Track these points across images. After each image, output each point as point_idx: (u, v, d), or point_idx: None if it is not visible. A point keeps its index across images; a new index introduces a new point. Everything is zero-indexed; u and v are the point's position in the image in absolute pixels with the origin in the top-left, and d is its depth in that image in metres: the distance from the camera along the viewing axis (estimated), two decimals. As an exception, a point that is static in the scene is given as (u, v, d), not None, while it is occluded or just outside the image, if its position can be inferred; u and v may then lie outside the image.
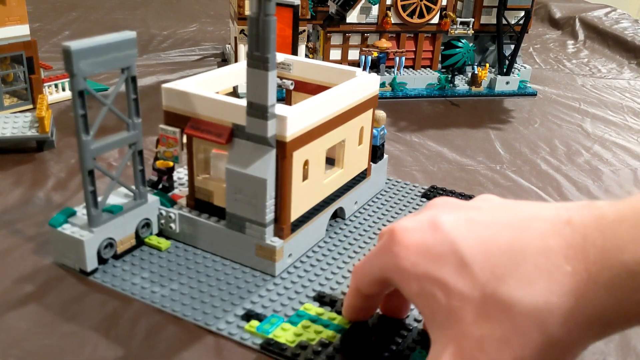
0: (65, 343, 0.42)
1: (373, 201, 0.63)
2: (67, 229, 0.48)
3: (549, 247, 0.30)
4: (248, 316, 0.45)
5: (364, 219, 0.60)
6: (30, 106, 0.81)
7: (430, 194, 0.66)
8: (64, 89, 0.88)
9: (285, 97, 0.63)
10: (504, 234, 0.32)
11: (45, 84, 0.84)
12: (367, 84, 0.56)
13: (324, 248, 0.54)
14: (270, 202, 0.48)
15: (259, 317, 0.44)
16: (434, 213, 0.35)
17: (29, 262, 0.50)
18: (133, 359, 0.41)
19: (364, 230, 0.58)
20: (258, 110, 0.45)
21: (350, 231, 0.57)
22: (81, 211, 0.49)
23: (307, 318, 0.44)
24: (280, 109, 0.46)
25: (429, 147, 0.80)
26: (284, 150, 0.47)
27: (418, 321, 0.45)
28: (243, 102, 0.47)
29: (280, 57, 0.61)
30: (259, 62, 0.43)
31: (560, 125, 0.92)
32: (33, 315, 0.44)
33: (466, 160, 0.77)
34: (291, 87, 0.61)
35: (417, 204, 0.64)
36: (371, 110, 0.58)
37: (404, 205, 0.63)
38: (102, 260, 0.49)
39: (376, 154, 0.63)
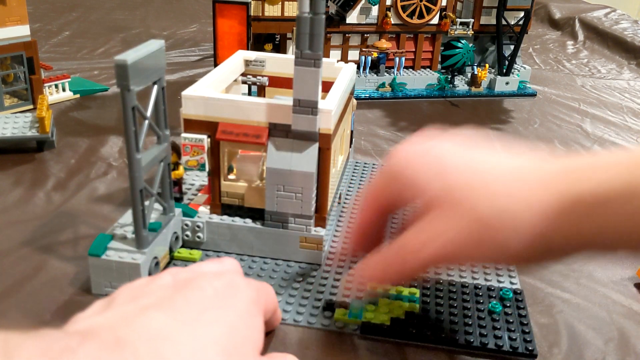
0: (66, 343, 0.42)
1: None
2: (112, 255, 0.46)
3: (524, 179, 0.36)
4: (329, 305, 0.46)
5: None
6: (31, 106, 0.81)
7: None
8: (64, 90, 0.88)
9: (257, 94, 0.64)
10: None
11: (45, 85, 0.84)
12: (351, 72, 0.59)
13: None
14: (314, 194, 0.49)
15: (341, 305, 0.46)
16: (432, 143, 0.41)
17: (29, 262, 0.50)
18: (133, 358, 0.41)
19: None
20: (307, 106, 0.46)
21: (352, 213, 0.59)
22: (119, 233, 0.48)
23: (380, 296, 0.47)
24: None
25: (428, 147, 0.81)
26: (328, 142, 0.48)
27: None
28: (276, 101, 0.48)
29: (252, 54, 0.62)
30: (309, 60, 0.45)
31: (559, 125, 0.92)
32: (33, 315, 0.44)
33: (466, 160, 0.77)
34: (266, 84, 0.62)
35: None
36: (352, 96, 0.62)
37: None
38: None
39: (351, 138, 0.66)
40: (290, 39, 0.95)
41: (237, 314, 0.32)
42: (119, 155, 0.71)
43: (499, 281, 0.50)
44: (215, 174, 0.51)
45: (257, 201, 0.51)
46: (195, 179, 0.59)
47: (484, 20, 1.04)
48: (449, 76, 1.01)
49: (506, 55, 1.02)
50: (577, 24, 1.53)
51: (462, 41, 1.01)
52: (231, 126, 0.49)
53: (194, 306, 0.31)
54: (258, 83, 0.61)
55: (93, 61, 1.09)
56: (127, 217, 0.49)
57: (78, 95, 0.89)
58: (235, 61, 0.60)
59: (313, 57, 0.45)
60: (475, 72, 1.01)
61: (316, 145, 0.48)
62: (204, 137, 0.50)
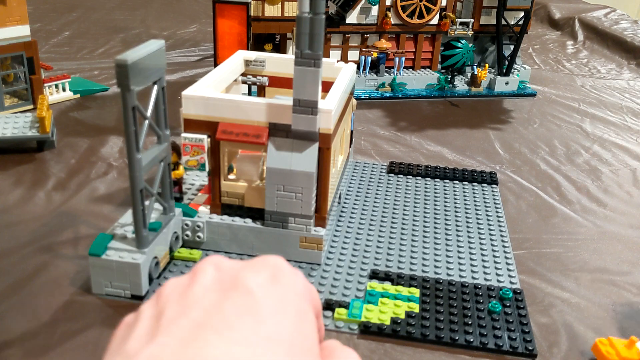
0: (66, 343, 0.42)
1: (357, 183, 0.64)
2: (112, 255, 0.46)
3: None
4: (328, 304, 0.46)
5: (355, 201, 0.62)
6: (31, 106, 0.81)
7: (393, 168, 0.70)
8: (64, 90, 0.88)
9: (257, 94, 0.64)
10: None
11: (45, 85, 0.84)
12: (351, 72, 0.59)
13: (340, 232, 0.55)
14: (314, 194, 0.49)
15: (341, 304, 0.46)
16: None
17: (29, 263, 0.50)
18: (133, 358, 0.41)
19: (363, 210, 0.60)
20: (307, 106, 0.46)
21: (352, 213, 0.59)
22: (119, 233, 0.47)
23: (379, 296, 0.47)
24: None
25: (428, 147, 0.81)
26: (328, 142, 0.48)
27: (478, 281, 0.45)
28: (276, 101, 0.48)
29: (252, 54, 0.62)
30: (310, 60, 0.45)
31: (559, 125, 0.92)
32: (33, 315, 0.44)
33: (466, 160, 0.77)
34: (266, 84, 0.62)
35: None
36: (352, 96, 0.61)
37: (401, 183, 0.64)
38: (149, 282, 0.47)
39: (351, 138, 0.66)
40: (290, 39, 0.95)
41: (291, 322, 0.28)
42: (119, 155, 0.71)
43: (498, 281, 0.50)
44: (215, 174, 0.51)
45: (257, 201, 0.51)
46: (195, 179, 0.59)
47: (483, 20, 1.04)
48: (449, 76, 1.01)
49: (506, 55, 1.02)
50: (577, 24, 1.53)
51: (462, 41, 1.01)
52: (231, 126, 0.49)
53: (247, 319, 0.29)
54: (258, 83, 0.61)
55: (93, 61, 1.09)
56: (127, 217, 0.49)
57: (78, 95, 0.89)
58: (235, 61, 0.60)
59: (313, 57, 0.45)
60: (475, 72, 1.01)
61: (316, 145, 0.48)
62: (204, 137, 0.49)
